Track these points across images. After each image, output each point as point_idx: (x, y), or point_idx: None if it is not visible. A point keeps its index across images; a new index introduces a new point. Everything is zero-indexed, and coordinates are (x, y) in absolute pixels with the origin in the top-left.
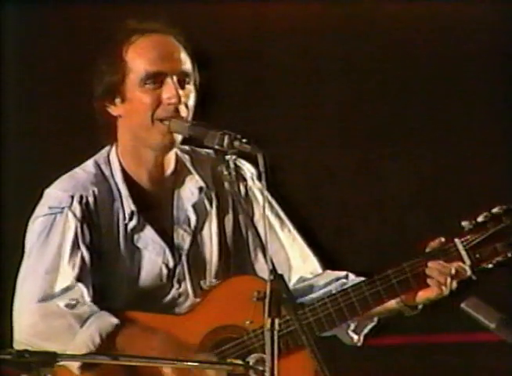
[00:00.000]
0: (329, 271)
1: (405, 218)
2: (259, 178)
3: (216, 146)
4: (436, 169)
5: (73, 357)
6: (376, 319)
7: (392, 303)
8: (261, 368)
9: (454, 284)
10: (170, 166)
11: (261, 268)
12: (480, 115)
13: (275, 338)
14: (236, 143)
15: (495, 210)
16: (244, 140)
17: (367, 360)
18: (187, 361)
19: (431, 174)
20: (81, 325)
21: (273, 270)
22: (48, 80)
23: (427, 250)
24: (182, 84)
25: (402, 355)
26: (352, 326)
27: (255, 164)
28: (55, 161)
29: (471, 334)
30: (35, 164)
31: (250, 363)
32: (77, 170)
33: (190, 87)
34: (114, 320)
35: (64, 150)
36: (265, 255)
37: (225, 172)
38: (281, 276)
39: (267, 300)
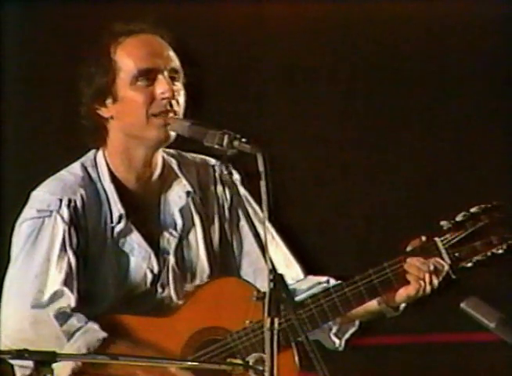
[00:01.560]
0: (310, 276)
1: (391, 220)
2: (243, 184)
3: (216, 146)
4: (422, 170)
5: (72, 357)
6: (357, 323)
7: (374, 304)
8: (260, 368)
9: (435, 282)
10: (157, 169)
11: (246, 272)
12: (466, 116)
13: (275, 337)
14: (236, 143)
15: (473, 209)
16: (244, 140)
17: (365, 360)
18: (186, 361)
19: (417, 174)
20: (68, 339)
21: (273, 270)
22: (47, 79)
23: (408, 248)
24: (172, 80)
25: (401, 354)
26: (334, 329)
27: (239, 169)
28: (52, 162)
29: (471, 334)
30: (33, 164)
31: (250, 363)
32: (63, 172)
33: (180, 83)
34: (101, 335)
35: (64, 150)
36: (264, 255)
37: (225, 172)
38: (281, 275)
39: (267, 299)
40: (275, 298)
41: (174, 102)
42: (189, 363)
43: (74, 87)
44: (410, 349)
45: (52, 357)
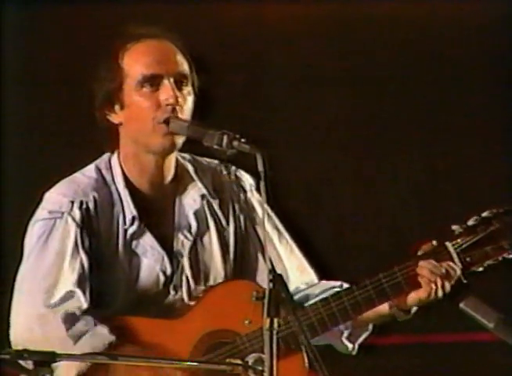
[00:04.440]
0: (324, 281)
1: (401, 225)
2: (258, 190)
3: (215, 146)
4: (431, 175)
5: (72, 357)
6: (370, 327)
7: (385, 308)
8: (260, 368)
9: (447, 287)
10: (170, 172)
11: (261, 277)
12: (472, 120)
13: (274, 337)
14: (235, 143)
15: (484, 214)
16: (243, 140)
17: (366, 360)
18: (185, 361)
19: (426, 179)
20: (75, 342)
21: (272, 270)
22: (48, 81)
23: (419, 253)
24: (179, 86)
25: (401, 354)
26: (346, 333)
27: (254, 175)
28: (55, 164)
29: (470, 334)
30: (36, 166)
31: (249, 363)
32: (77, 174)
33: (188, 89)
34: (108, 339)
35: (65, 152)
36: (263, 255)
37: (225, 172)
38: (280, 275)
39: (266, 300)
40: (274, 298)
41: (178, 108)
42: (189, 363)
43: (77, 87)
44: (409, 349)
45: (51, 357)
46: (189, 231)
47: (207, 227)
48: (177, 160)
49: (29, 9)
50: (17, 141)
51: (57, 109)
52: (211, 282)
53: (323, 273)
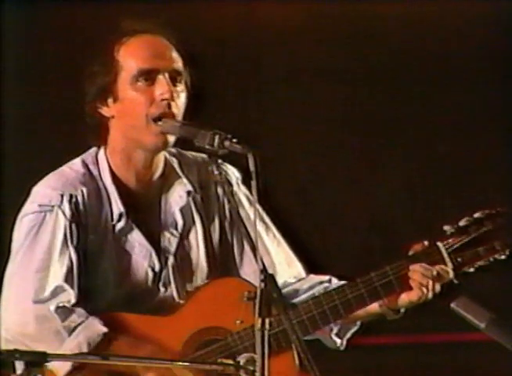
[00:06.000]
0: (312, 275)
1: (392, 223)
2: (244, 183)
3: (207, 146)
4: (424, 175)
5: (63, 357)
6: (359, 323)
7: (375, 307)
8: (251, 368)
9: (437, 287)
10: (158, 169)
11: (246, 272)
12: (468, 120)
13: (266, 337)
14: (227, 143)
15: (476, 215)
16: (235, 140)
17: (357, 360)
18: (178, 361)
19: (419, 178)
20: (69, 334)
21: (264, 270)
22: (47, 78)
23: (410, 253)
24: (173, 82)
25: (392, 355)
26: (335, 329)
27: (241, 168)
28: (52, 159)
29: (461, 334)
30: (32, 161)
31: (241, 363)
32: (64, 168)
33: (181, 85)
34: (102, 329)
35: (63, 147)
36: (255, 255)
37: (216, 172)
38: (271, 275)
39: (257, 300)
40: (266, 298)
41: (173, 104)
42: (180, 363)
43: (75, 84)
44: (400, 349)
45: (43, 358)
46: (176, 228)
47: (193, 223)
48: (165, 156)
49: (28, 7)
50: (16, 137)
51: (57, 105)
52: (198, 278)
53: (314, 269)
